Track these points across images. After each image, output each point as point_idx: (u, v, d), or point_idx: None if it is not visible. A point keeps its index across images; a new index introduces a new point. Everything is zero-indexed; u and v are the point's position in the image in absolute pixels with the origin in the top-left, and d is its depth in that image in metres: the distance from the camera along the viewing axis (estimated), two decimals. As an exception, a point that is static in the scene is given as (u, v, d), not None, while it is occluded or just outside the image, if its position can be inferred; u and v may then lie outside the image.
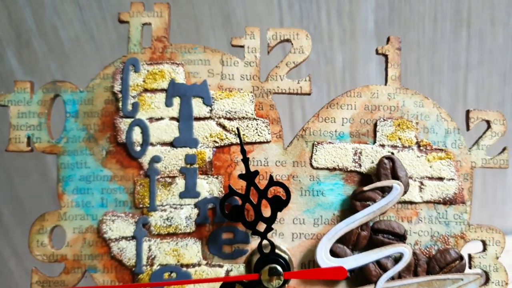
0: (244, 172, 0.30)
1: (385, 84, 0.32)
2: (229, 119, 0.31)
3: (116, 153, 0.31)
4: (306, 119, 0.59)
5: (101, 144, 0.31)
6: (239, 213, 0.28)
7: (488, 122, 0.33)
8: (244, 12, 0.49)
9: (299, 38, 0.32)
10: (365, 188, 0.30)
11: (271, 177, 0.28)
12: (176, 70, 0.31)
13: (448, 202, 0.32)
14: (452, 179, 0.32)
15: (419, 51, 0.61)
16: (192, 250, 0.30)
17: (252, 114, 0.31)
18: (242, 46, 0.32)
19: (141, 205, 0.30)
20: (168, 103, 0.31)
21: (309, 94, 0.32)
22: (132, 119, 0.31)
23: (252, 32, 0.31)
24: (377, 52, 0.33)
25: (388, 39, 0.32)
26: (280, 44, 0.32)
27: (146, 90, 0.31)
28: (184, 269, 0.30)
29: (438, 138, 0.32)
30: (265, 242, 0.28)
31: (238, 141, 0.31)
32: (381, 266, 0.30)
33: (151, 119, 0.31)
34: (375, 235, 0.30)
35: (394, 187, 0.29)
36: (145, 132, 0.31)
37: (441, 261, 0.30)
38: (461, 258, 0.31)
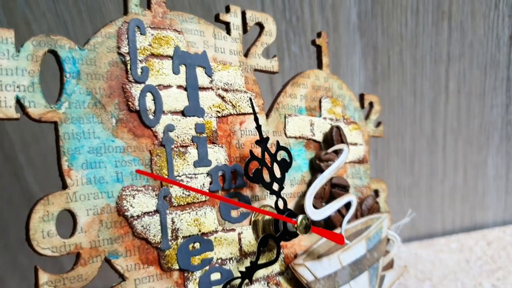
0: (240, 141, 0.37)
1: (321, 69, 0.45)
2: (226, 90, 0.37)
3: (128, 122, 0.31)
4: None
5: (110, 111, 0.31)
6: (259, 175, 0.35)
7: (371, 103, 0.51)
8: (225, 4, 0.50)
9: (268, 22, 0.41)
10: (329, 151, 0.42)
11: (277, 142, 0.37)
12: (179, 38, 0.35)
13: (360, 161, 0.48)
14: (361, 144, 0.48)
15: (402, 43, 0.69)
16: (210, 218, 0.35)
17: (243, 87, 0.38)
18: (228, 23, 0.38)
19: (159, 177, 0.32)
20: (176, 71, 0.34)
21: (277, 72, 0.41)
22: (143, 85, 0.32)
23: (235, 10, 0.39)
24: (312, 43, 0.46)
25: (320, 34, 0.46)
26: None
27: (153, 55, 0.33)
28: (206, 237, 0.34)
29: (351, 113, 0.48)
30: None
31: (235, 111, 0.37)
32: (340, 213, 0.43)
33: (159, 86, 0.33)
34: (333, 189, 0.43)
35: (344, 149, 0.43)
36: (157, 100, 0.33)
37: (368, 205, 0.46)
38: (376, 202, 0.47)
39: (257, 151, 0.38)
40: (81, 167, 0.29)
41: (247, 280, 0.34)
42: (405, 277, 0.69)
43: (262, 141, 0.36)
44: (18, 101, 0.28)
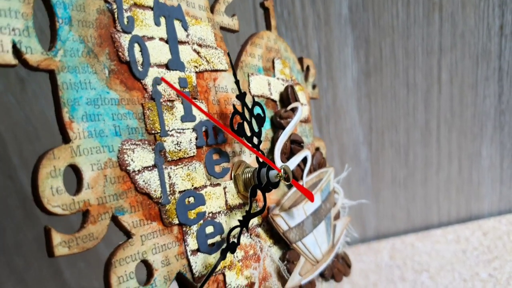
0: (215, 98, 0.38)
1: (270, 31, 0.48)
2: (200, 45, 0.37)
3: (119, 73, 0.31)
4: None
5: (102, 61, 0.30)
6: (243, 129, 0.37)
7: (308, 67, 0.55)
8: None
9: (227, -19, 0.42)
10: (288, 109, 0.45)
11: (253, 97, 0.38)
12: (157, -11, 0.34)
13: (306, 121, 0.52)
14: (305, 104, 0.52)
15: (394, 35, 0.68)
16: (200, 173, 0.35)
17: (214, 44, 0.39)
18: (194, -22, 0.38)
19: (153, 131, 0.32)
20: (157, 22, 0.34)
21: (238, 31, 0.43)
22: (131, 35, 0.31)
23: (199, -34, 0.39)
24: (261, 5, 0.48)
25: (266, -4, 0.48)
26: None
27: (136, 5, 0.32)
28: (198, 192, 0.34)
29: (295, 75, 0.51)
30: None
31: (209, 67, 0.38)
32: (300, 167, 0.46)
33: (144, 37, 0.33)
34: (292, 145, 0.46)
35: (299, 107, 0.46)
36: (144, 51, 0.32)
37: (317, 160, 0.50)
38: (323, 158, 0.51)
39: (230, 108, 0.40)
40: (81, 119, 0.28)
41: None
42: (402, 270, 0.73)
43: (242, 96, 0.37)
44: (14, 46, 0.25)
